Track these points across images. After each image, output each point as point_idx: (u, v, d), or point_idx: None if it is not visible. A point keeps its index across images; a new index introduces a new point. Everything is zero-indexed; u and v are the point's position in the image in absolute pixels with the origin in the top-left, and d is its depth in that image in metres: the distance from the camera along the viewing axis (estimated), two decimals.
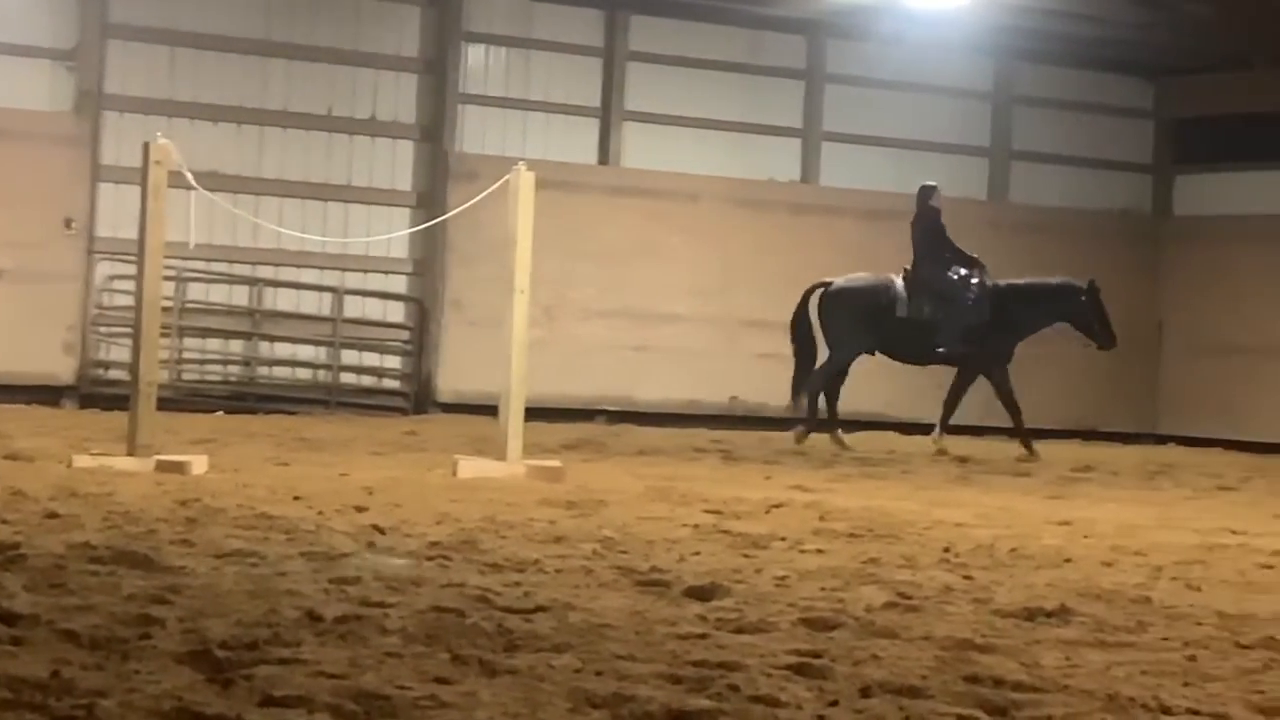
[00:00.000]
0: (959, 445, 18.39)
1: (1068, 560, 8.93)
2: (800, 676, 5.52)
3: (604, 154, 22.12)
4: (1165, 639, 6.54)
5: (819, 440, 18.24)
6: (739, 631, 6.35)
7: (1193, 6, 20.74)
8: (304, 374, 21.14)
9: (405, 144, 21.50)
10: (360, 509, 9.73)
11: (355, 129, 21.22)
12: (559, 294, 21.14)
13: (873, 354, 19.08)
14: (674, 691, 5.23)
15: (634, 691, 5.15)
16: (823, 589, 7.50)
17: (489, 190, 13.01)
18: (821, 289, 19.09)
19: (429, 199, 21.18)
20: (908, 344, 18.81)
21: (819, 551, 8.90)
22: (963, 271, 18.63)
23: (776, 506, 11.07)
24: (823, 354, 18.98)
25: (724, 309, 22.01)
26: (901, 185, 22.71)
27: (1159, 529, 10.91)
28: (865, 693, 5.32)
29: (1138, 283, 24.01)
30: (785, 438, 18.47)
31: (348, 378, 21.22)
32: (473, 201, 13.63)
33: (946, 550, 9.09)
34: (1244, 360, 22.92)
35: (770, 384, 21.80)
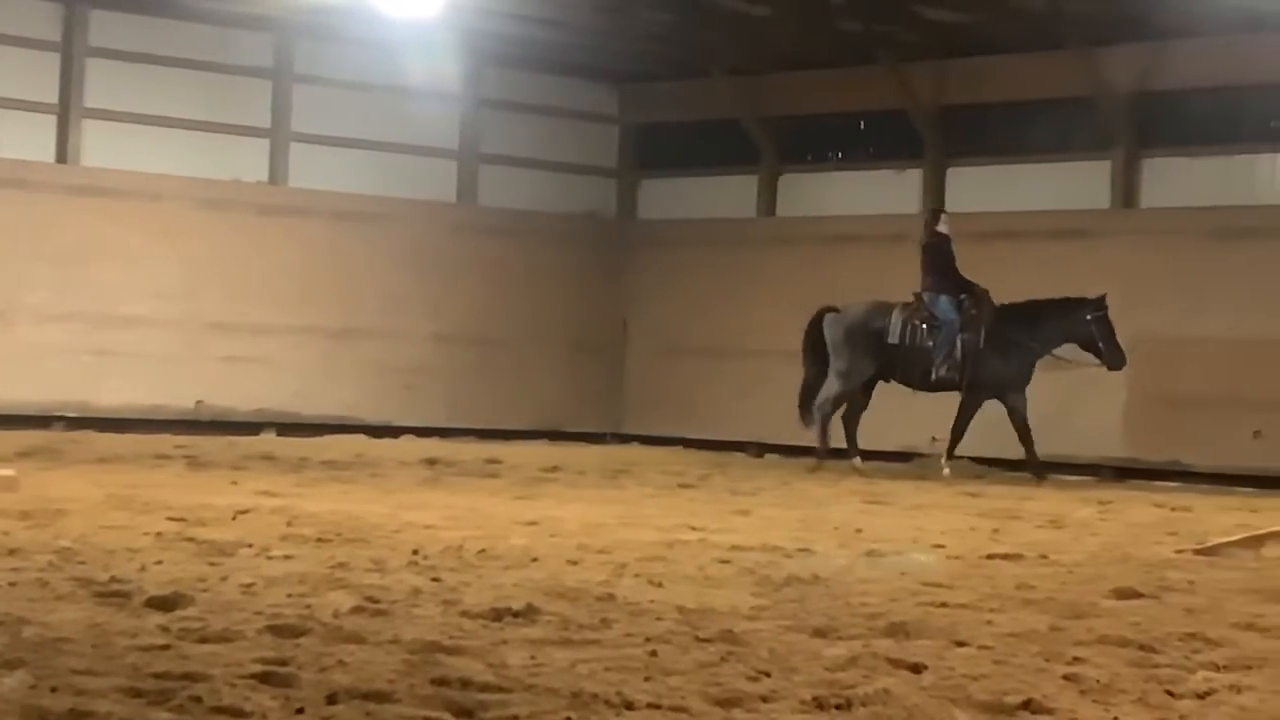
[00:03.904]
0: (435, 448, 18.45)
1: (535, 560, 9.03)
2: (266, 685, 5.43)
3: (62, 152, 21.31)
4: (628, 635, 6.65)
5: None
6: (203, 641, 6.21)
7: (654, 15, 21.28)
8: None
9: None
10: None
11: None
12: (13, 298, 20.38)
13: (882, 380, 18.91)
14: (134, 705, 5.08)
15: (91, 707, 4.98)
16: (290, 595, 7.40)
17: None
18: (831, 313, 18.99)
19: None
20: (904, 370, 18.70)
21: (287, 557, 8.79)
22: (959, 297, 18.50)
23: (243, 512, 10.90)
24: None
25: (188, 312, 21.49)
26: (371, 187, 22.72)
27: (623, 527, 11.15)
28: (332, 699, 5.26)
29: (603, 285, 24.54)
30: (252, 441, 18.21)
31: None
32: None
33: (415, 553, 9.09)
34: (703, 360, 23.63)
35: (237, 388, 21.50)
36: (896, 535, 11.23)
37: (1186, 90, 20.49)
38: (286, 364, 21.94)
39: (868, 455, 19.01)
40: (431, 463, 17.22)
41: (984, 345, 18.40)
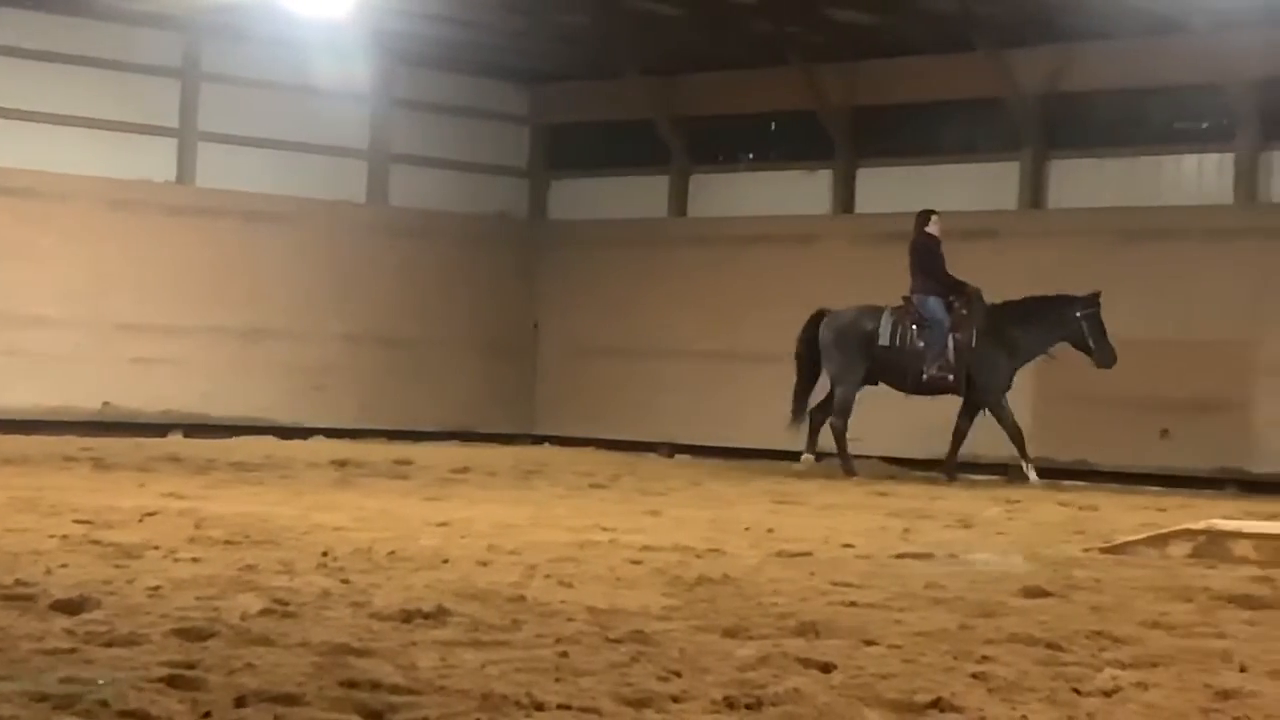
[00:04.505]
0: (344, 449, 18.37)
1: (445, 561, 8.99)
2: (173, 689, 5.37)
3: None
4: (539, 636, 6.62)
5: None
6: (109, 645, 6.14)
7: (565, 16, 21.27)
8: None
9: None
10: None
11: None
12: None
13: (871, 384, 18.72)
14: (39, 710, 5.01)
15: None
16: (197, 598, 7.33)
17: None
18: (824, 316, 18.84)
19: None
20: (896, 373, 18.50)
21: (194, 560, 8.71)
22: (949, 297, 18.31)
23: (150, 515, 10.80)
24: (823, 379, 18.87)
25: (96, 312, 21.31)
26: (280, 187, 22.59)
27: (534, 528, 11.13)
28: (240, 702, 5.21)
29: (514, 285, 24.51)
30: (160, 443, 18.08)
31: None
32: None
33: (325, 555, 9.03)
34: (614, 361, 23.64)
35: (145, 389, 21.33)
36: (808, 535, 11.26)
37: (1094, 92, 20.68)
38: (195, 365, 21.79)
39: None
40: (341, 464, 17.13)
41: (976, 345, 18.24)
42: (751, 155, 23.75)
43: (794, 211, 22.77)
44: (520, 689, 5.47)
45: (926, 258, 18.49)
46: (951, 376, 18.26)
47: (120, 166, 21.76)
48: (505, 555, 9.37)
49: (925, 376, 18.33)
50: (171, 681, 5.46)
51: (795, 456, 19.35)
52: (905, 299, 18.57)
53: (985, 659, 6.35)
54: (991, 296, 18.68)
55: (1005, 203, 21.01)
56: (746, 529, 11.65)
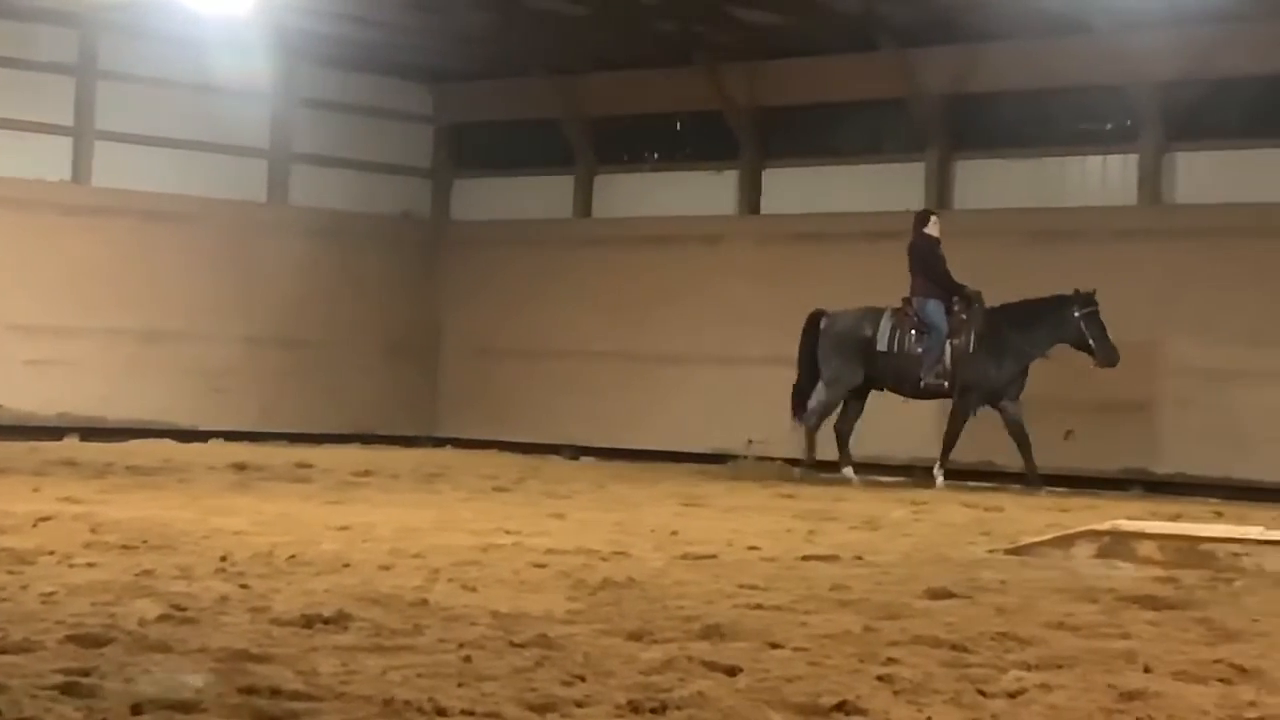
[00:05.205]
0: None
1: (347, 565, 8.92)
2: (68, 696, 5.28)
3: None
4: (442, 640, 6.57)
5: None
6: (2, 652, 6.04)
7: (470, 15, 21.15)
8: None
9: None
10: None
11: None
12: None
13: (874, 389, 18.46)
14: None
15: None
16: (93, 604, 7.23)
17: None
18: (823, 318, 18.57)
19: None
20: (895, 378, 18.24)
21: (90, 565, 8.59)
22: (949, 300, 18.03)
23: (44, 520, 10.65)
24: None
25: None
26: (180, 186, 22.35)
27: (437, 531, 11.06)
28: (136, 710, 5.14)
29: (418, 286, 24.38)
30: (55, 447, 17.85)
31: None
32: None
33: (224, 559, 8.93)
34: (519, 362, 23.57)
35: (39, 391, 21.04)
36: (713, 538, 11.23)
37: (999, 93, 20.81)
38: (91, 367, 21.51)
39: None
40: (241, 467, 16.96)
41: (974, 349, 18.00)
42: (657, 155, 23.73)
43: (699, 212, 22.77)
44: (423, 694, 5.43)
45: (926, 260, 18.18)
46: (948, 384, 18.06)
47: (14, 165, 21.43)
48: (408, 559, 9.29)
49: (923, 384, 18.13)
50: (66, 689, 5.38)
51: (699, 459, 19.35)
52: (905, 301, 18.32)
53: (891, 661, 6.35)
54: (895, 300, 18.72)
55: (911, 203, 21.01)
56: (651, 531, 11.61)
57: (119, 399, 21.60)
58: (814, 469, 18.47)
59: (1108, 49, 19.27)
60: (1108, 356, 17.71)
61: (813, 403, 18.72)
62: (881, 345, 18.27)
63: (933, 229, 18.29)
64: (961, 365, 17.98)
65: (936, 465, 18.14)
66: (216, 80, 22.16)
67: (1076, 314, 17.75)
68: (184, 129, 22.60)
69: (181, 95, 22.38)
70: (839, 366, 18.52)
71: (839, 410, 18.78)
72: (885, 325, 18.29)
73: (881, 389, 18.63)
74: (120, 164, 22.13)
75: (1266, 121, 19.32)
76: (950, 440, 18.11)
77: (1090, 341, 17.73)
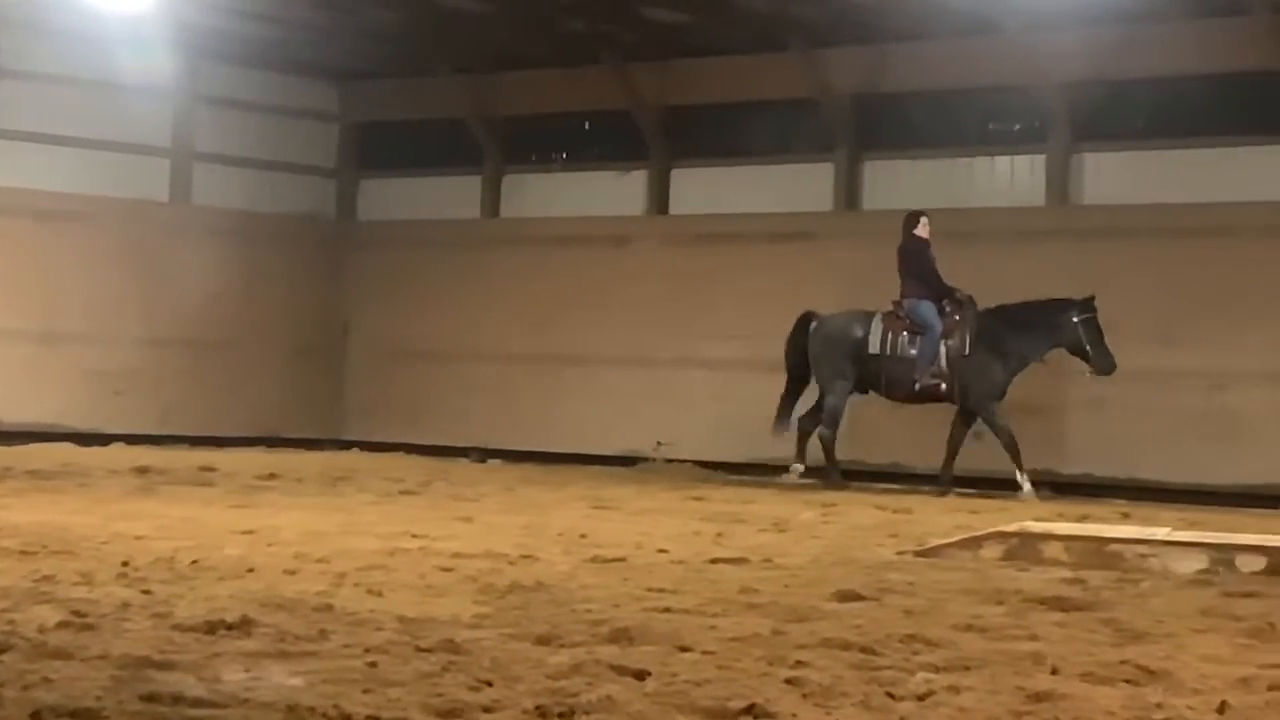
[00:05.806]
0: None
1: (250, 570, 8.83)
2: None
3: None
4: (347, 646, 6.52)
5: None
6: None
7: (376, 12, 21.02)
8: None
9: None
10: None
11: None
12: None
13: (863, 393, 18.16)
14: None
15: None
16: None
17: None
18: (811, 321, 18.23)
19: None
20: (888, 381, 17.94)
21: None
22: (941, 302, 17.78)
23: None
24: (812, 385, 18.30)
25: None
26: (78, 185, 22.07)
27: (342, 535, 10.98)
28: (36, 717, 5.07)
29: (323, 287, 24.21)
30: None
31: None
32: None
33: (125, 564, 8.84)
34: (425, 364, 23.45)
35: None
36: (621, 541, 11.20)
37: (907, 93, 20.88)
38: None
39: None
40: (143, 471, 16.79)
41: (972, 352, 17.78)
42: (565, 155, 23.66)
43: (608, 212, 22.73)
44: (328, 701, 5.38)
45: (917, 261, 17.97)
46: (944, 385, 17.82)
47: None
48: (313, 564, 9.22)
49: (917, 385, 17.88)
50: None
51: (608, 461, 19.29)
52: (895, 304, 18.12)
53: (799, 664, 6.34)
54: (804, 301, 18.74)
55: (820, 204, 21.11)
56: (560, 535, 11.57)
57: (16, 402, 21.32)
58: (840, 476, 18.25)
59: (1016, 50, 19.38)
60: (1104, 364, 17.54)
61: (826, 416, 18.29)
62: (874, 348, 18.02)
63: (922, 230, 18.09)
64: (960, 369, 17.79)
65: (1018, 474, 17.69)
66: (117, 77, 21.89)
67: (1075, 319, 17.59)
68: (84, 127, 22.30)
69: (82, 92, 22.09)
70: (831, 371, 18.25)
71: (807, 408, 18.54)
72: (876, 328, 18.07)
73: (867, 392, 18.46)
74: (18, 162, 21.81)
75: (1173, 122, 19.47)
76: (1013, 449, 17.72)
77: (1087, 348, 17.58)
